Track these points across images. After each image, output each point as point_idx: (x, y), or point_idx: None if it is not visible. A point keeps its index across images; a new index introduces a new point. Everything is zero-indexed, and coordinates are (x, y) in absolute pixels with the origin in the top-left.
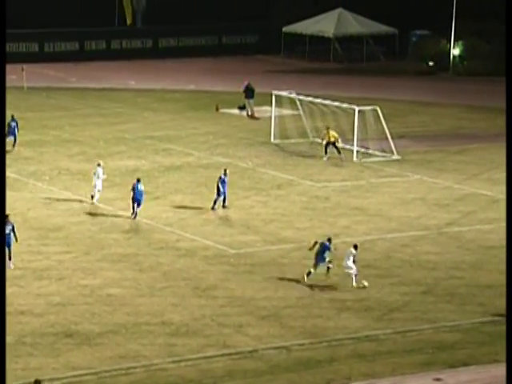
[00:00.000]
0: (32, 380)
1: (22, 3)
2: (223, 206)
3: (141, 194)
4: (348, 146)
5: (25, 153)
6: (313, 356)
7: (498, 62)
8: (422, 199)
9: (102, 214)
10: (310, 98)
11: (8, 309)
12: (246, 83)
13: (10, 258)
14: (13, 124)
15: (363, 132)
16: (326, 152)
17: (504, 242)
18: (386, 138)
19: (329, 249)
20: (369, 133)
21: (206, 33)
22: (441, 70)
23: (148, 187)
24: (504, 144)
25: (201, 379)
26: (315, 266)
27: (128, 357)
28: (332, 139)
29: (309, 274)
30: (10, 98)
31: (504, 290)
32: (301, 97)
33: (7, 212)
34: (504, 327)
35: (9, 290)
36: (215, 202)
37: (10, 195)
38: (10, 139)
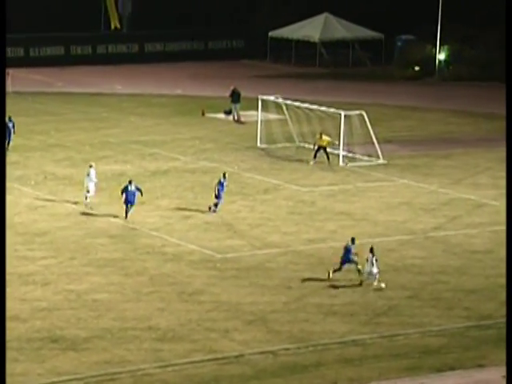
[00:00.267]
0: None
1: (7, 8)
2: (214, 211)
3: (132, 194)
4: (335, 151)
5: (11, 157)
6: (299, 361)
7: (483, 67)
8: (408, 204)
9: (88, 219)
10: (296, 103)
11: None
12: (232, 88)
13: None
14: (9, 125)
15: (349, 137)
16: (315, 157)
17: (489, 247)
18: (373, 143)
19: (350, 251)
20: (355, 137)
21: (192, 38)
22: (426, 75)
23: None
24: (489, 149)
25: None
26: (341, 265)
27: (114, 362)
28: (324, 143)
29: (335, 271)
30: None
31: (489, 294)
32: (287, 101)
33: None
34: (489, 331)
35: None
36: (216, 205)
37: None
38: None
